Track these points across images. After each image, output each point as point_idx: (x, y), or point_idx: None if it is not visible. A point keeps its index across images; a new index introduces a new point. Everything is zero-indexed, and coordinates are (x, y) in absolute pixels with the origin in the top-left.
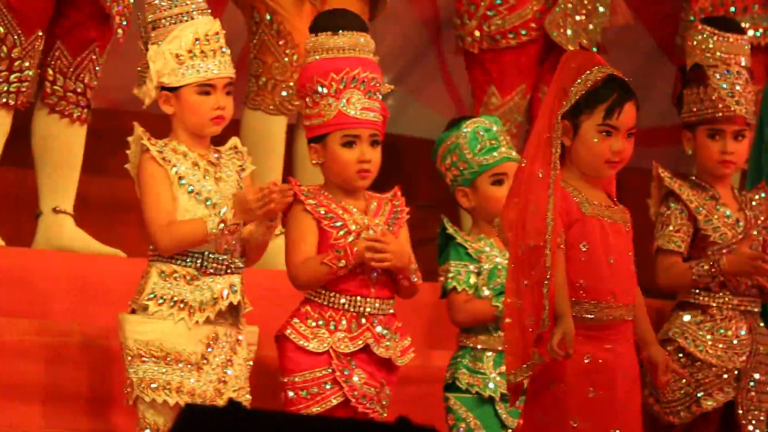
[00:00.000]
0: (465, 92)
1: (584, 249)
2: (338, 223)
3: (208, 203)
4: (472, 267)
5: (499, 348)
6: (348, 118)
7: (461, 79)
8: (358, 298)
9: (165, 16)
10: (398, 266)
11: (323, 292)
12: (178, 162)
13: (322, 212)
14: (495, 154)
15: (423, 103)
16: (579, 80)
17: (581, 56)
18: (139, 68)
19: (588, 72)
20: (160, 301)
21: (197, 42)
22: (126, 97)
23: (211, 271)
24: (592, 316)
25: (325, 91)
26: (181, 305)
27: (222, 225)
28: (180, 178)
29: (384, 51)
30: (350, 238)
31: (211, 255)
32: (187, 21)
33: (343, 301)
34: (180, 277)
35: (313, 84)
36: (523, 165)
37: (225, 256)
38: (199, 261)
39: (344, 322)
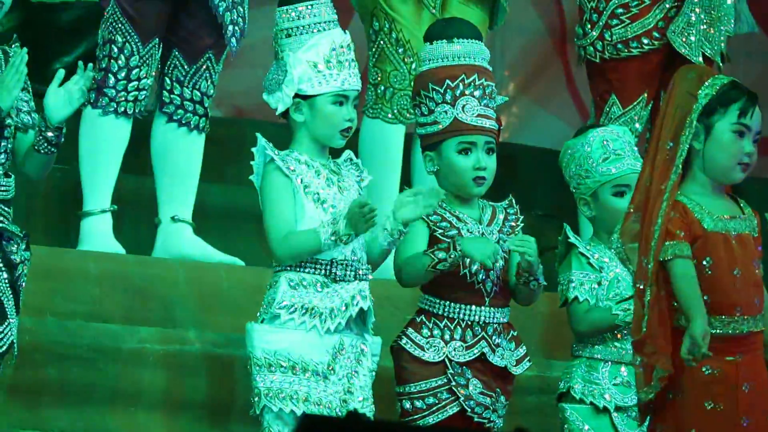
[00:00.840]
0: (590, 101)
1: (707, 265)
2: (452, 232)
3: (334, 211)
4: (593, 276)
5: (615, 359)
6: (464, 124)
7: (587, 88)
8: (473, 307)
9: (303, 24)
10: (532, 266)
11: (437, 301)
12: (302, 171)
13: (436, 220)
14: (619, 165)
15: (549, 112)
16: (706, 84)
17: (699, 68)
18: (271, 74)
19: (713, 78)
20: (292, 309)
21: (333, 52)
22: (244, 105)
23: (340, 277)
24: (719, 331)
25: (441, 98)
26: (312, 313)
27: (335, 236)
28: (306, 186)
29: (509, 60)
30: None
31: (339, 262)
32: (323, 31)
33: (457, 310)
34: (309, 285)
35: (429, 91)
36: (644, 175)
37: (354, 262)
38: (328, 268)
39: (459, 331)
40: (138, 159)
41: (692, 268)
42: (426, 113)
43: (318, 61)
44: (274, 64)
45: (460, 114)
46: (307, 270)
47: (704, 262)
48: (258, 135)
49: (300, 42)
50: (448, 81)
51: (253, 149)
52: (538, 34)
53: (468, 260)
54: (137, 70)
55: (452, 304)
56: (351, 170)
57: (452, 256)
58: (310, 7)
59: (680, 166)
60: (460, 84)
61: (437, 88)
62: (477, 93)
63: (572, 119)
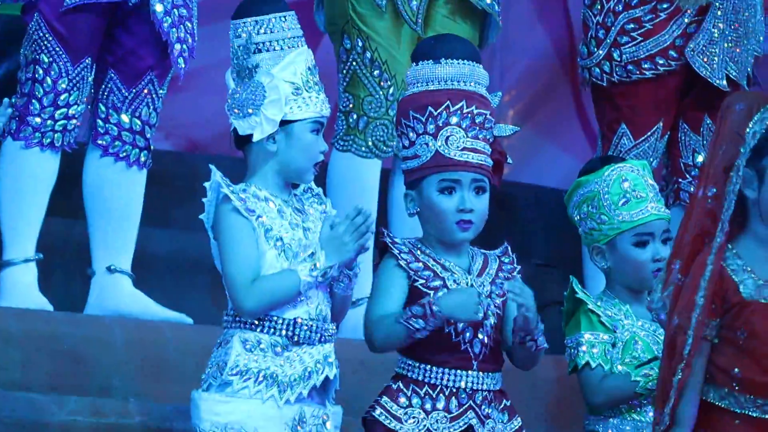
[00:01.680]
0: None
1: (742, 337)
2: (436, 283)
3: (297, 258)
4: (606, 338)
5: None
6: (446, 159)
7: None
8: (459, 371)
9: (276, 39)
10: (529, 323)
11: (417, 365)
12: (263, 211)
13: (417, 269)
14: (642, 210)
15: (554, 144)
16: (755, 119)
17: (749, 96)
18: (243, 95)
19: (763, 110)
20: (246, 376)
21: (309, 72)
22: (196, 136)
23: (303, 340)
24: (747, 412)
25: (422, 128)
26: (270, 381)
27: (316, 271)
28: (267, 230)
29: (509, 85)
30: None
31: (303, 321)
32: (296, 47)
33: (440, 375)
34: (267, 348)
35: (409, 120)
36: (686, 228)
37: (318, 322)
38: (290, 328)
39: (443, 399)
40: (68, 199)
41: (707, 353)
42: (407, 145)
43: (297, 81)
44: (243, 83)
45: (442, 147)
46: (265, 330)
47: (738, 333)
48: (212, 167)
49: (274, 59)
50: (430, 108)
51: (206, 184)
52: (544, 55)
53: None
54: (66, 95)
55: (434, 368)
56: (313, 204)
57: (431, 323)
58: (282, 19)
59: (727, 222)
60: (444, 112)
61: (418, 116)
62: (464, 123)
63: (582, 153)
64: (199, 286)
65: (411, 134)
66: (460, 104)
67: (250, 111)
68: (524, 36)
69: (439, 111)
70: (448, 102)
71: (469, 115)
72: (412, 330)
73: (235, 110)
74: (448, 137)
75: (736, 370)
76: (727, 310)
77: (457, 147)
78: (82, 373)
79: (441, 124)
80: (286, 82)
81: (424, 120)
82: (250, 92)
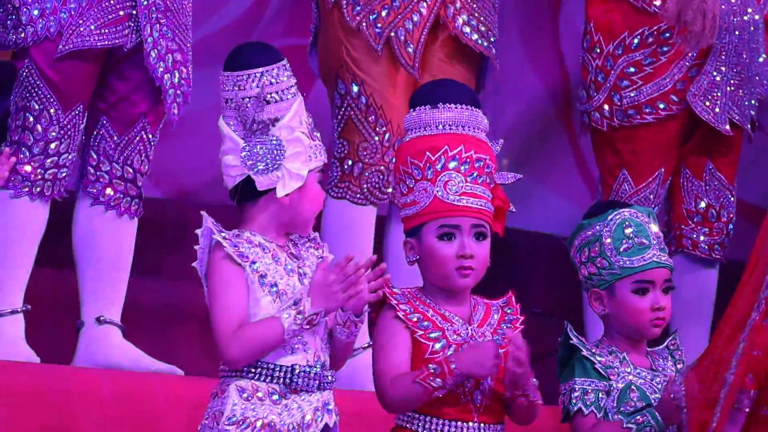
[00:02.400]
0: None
1: (763, 413)
2: (435, 334)
3: (295, 289)
4: (600, 385)
5: None
6: (445, 204)
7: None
8: (459, 423)
9: (285, 88)
10: (520, 379)
11: (416, 416)
12: (257, 257)
13: (416, 320)
14: (644, 256)
15: (550, 190)
16: None
17: None
18: (260, 150)
19: None
20: (244, 425)
21: (310, 119)
22: (187, 183)
23: (302, 387)
24: None
25: (420, 174)
26: (268, 429)
27: (300, 318)
28: (261, 276)
29: (504, 129)
30: (449, 352)
31: (301, 369)
32: (298, 96)
33: (440, 427)
34: (265, 396)
35: (408, 166)
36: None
37: (316, 369)
38: (287, 376)
39: None
40: (57, 249)
41: (740, 425)
42: (405, 192)
43: (305, 131)
44: (254, 136)
45: (440, 192)
46: (262, 378)
47: (764, 410)
48: (203, 213)
49: (280, 109)
50: (428, 153)
51: (198, 231)
52: (538, 99)
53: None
54: (57, 143)
55: (434, 419)
56: (310, 249)
57: (449, 381)
58: (285, 68)
59: (763, 300)
60: (442, 156)
61: (416, 161)
62: (463, 167)
63: (579, 198)
64: (190, 337)
65: (409, 181)
66: (459, 149)
67: (271, 166)
68: (517, 80)
69: (437, 156)
70: (446, 147)
71: (468, 160)
72: (430, 389)
73: (254, 166)
74: (446, 182)
75: None
76: (761, 388)
77: (456, 192)
78: (70, 428)
79: (439, 169)
80: (302, 134)
81: (422, 166)
82: (268, 146)
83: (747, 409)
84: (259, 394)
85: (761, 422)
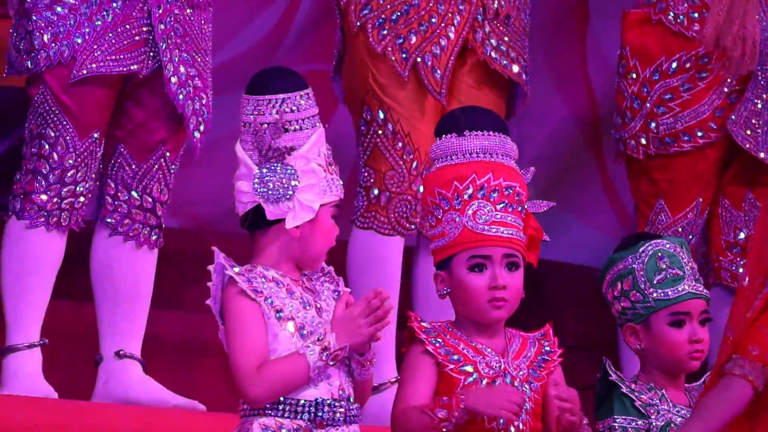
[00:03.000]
0: (631, 205)
1: None
2: (467, 367)
3: (313, 327)
4: (640, 423)
5: None
6: (475, 234)
7: (627, 189)
8: None
9: (305, 117)
10: (575, 427)
11: None
12: (271, 292)
13: (445, 353)
14: (679, 288)
15: (579, 220)
16: None
17: None
18: (273, 179)
19: None
20: None
21: (328, 151)
22: (204, 213)
23: (327, 422)
24: None
25: (448, 204)
26: None
27: (326, 354)
28: (277, 311)
29: (530, 154)
30: (482, 385)
31: (326, 402)
32: (318, 126)
33: None
34: None
35: (435, 197)
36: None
37: (342, 402)
38: (311, 411)
39: None
40: (74, 281)
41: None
42: (433, 224)
43: (322, 163)
44: (269, 164)
45: (469, 222)
46: (286, 414)
47: None
48: (215, 249)
49: (298, 137)
50: (455, 183)
51: (209, 267)
52: (565, 125)
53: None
54: (73, 171)
55: None
56: (324, 283)
57: (456, 415)
58: (306, 96)
59: (762, 296)
60: (470, 185)
61: (443, 192)
62: (492, 196)
63: (609, 228)
64: (212, 371)
65: (437, 212)
66: (487, 176)
67: (283, 196)
68: (543, 105)
69: (464, 185)
70: (473, 175)
71: (497, 188)
72: (436, 420)
73: (265, 194)
74: (475, 212)
75: None
76: None
77: (486, 221)
78: None
79: (467, 199)
80: (318, 166)
81: (449, 196)
82: (281, 175)
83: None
84: (284, 431)
85: None
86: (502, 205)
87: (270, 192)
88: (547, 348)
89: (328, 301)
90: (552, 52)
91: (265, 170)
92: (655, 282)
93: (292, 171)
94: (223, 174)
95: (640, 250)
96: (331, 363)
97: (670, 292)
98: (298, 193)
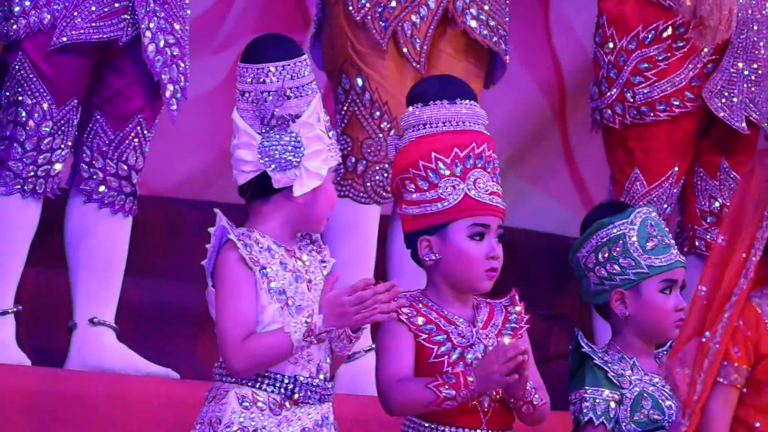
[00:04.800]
0: (590, 177)
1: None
2: (439, 337)
3: (300, 314)
4: (611, 394)
5: None
6: (477, 203)
7: (588, 162)
8: (467, 430)
9: (305, 83)
10: (517, 389)
11: (423, 424)
12: (266, 262)
13: (420, 323)
14: (669, 255)
15: (542, 191)
16: None
17: None
18: (278, 145)
19: None
20: None
21: (327, 117)
22: (180, 180)
23: (303, 399)
24: None
25: (447, 170)
26: None
27: (310, 335)
28: (270, 281)
29: (495, 129)
30: (454, 356)
31: (304, 380)
32: (317, 92)
33: None
34: (265, 406)
35: (430, 161)
36: (706, 281)
37: (319, 380)
38: (289, 387)
39: None
40: (48, 248)
41: (734, 403)
42: (425, 188)
43: (323, 129)
44: (273, 132)
45: (471, 190)
46: (263, 387)
47: (765, 387)
48: (217, 212)
49: (300, 104)
50: (456, 149)
51: (210, 229)
52: (531, 97)
53: None
54: (50, 138)
55: (441, 426)
56: (312, 252)
57: (463, 394)
58: (305, 63)
59: (752, 269)
60: (471, 154)
61: (442, 157)
62: (489, 166)
63: (570, 201)
64: (186, 339)
65: (432, 176)
66: (483, 146)
67: (290, 163)
68: (507, 76)
69: (465, 153)
70: (473, 144)
71: (491, 159)
72: (441, 398)
73: (271, 162)
74: (476, 180)
75: (758, 424)
76: (758, 361)
77: (486, 190)
78: (63, 430)
79: (469, 167)
80: (321, 132)
81: (449, 161)
82: (287, 143)
83: (739, 386)
84: (260, 404)
85: (764, 401)
86: (495, 176)
87: (277, 160)
88: (515, 315)
89: (316, 272)
90: (516, 21)
91: (269, 138)
92: (647, 248)
93: (298, 138)
94: (175, 143)
95: (631, 216)
96: (315, 343)
97: (663, 259)
98: (304, 161)
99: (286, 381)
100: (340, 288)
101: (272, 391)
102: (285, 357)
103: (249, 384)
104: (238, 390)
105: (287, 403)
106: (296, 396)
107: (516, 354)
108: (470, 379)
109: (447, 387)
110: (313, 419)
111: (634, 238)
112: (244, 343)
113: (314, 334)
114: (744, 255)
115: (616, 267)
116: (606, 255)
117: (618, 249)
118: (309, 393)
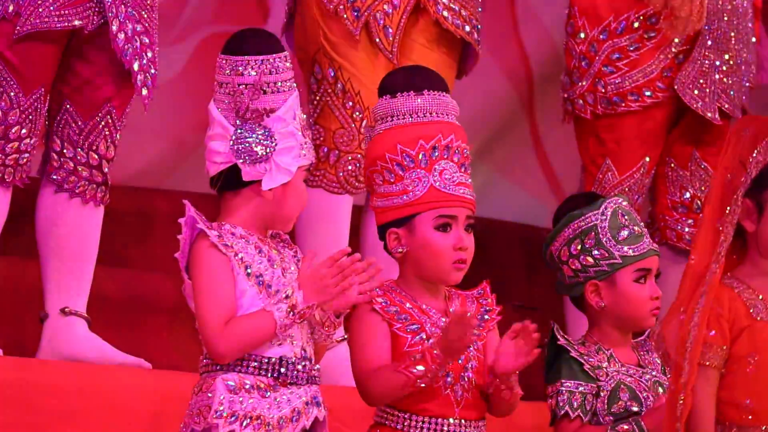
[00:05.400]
0: (560, 167)
1: (752, 362)
2: (413, 326)
3: (280, 284)
4: (587, 387)
5: None
6: (443, 194)
7: (556, 153)
8: (440, 419)
9: (282, 79)
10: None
11: (396, 413)
12: (240, 248)
13: (394, 312)
14: (641, 244)
15: (511, 181)
16: (758, 149)
17: (756, 123)
18: (250, 139)
19: None
20: (232, 419)
21: (303, 116)
22: (138, 170)
23: (290, 380)
24: None
25: (412, 162)
26: (258, 423)
27: (292, 313)
28: (246, 266)
29: (464, 119)
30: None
31: (289, 361)
32: (295, 89)
33: (421, 423)
34: (253, 389)
35: (396, 153)
36: (692, 262)
37: (305, 362)
38: (276, 368)
39: None
40: (19, 237)
41: (714, 382)
42: (392, 180)
43: (298, 126)
44: (246, 124)
45: (437, 181)
46: (249, 370)
47: (749, 359)
48: (186, 203)
49: (276, 100)
50: (421, 141)
51: (181, 220)
52: (500, 89)
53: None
54: (18, 127)
55: (414, 416)
56: (284, 249)
57: (433, 368)
58: (284, 59)
59: (723, 252)
60: (436, 145)
61: (407, 149)
62: (456, 157)
63: (540, 191)
64: (158, 329)
65: (398, 169)
66: (450, 137)
67: (260, 157)
68: (476, 68)
69: (431, 144)
70: (439, 135)
71: (458, 150)
72: (413, 377)
73: (242, 154)
74: (441, 171)
75: (748, 401)
76: (736, 336)
77: (453, 182)
78: (34, 421)
79: (434, 158)
80: (294, 128)
81: (414, 154)
82: (259, 137)
83: (716, 366)
84: (247, 387)
85: (750, 376)
86: (463, 167)
87: (247, 153)
88: (487, 307)
89: (290, 263)
90: (483, 11)
91: (242, 131)
92: (620, 239)
93: (270, 133)
94: (135, 130)
95: (602, 207)
96: (299, 321)
97: (635, 249)
98: (275, 156)
99: (273, 363)
100: (318, 261)
101: (258, 374)
102: (269, 338)
103: (235, 370)
104: (224, 376)
105: (276, 385)
106: (284, 377)
107: (464, 313)
108: (435, 352)
109: (415, 366)
110: (303, 400)
111: (605, 229)
112: (226, 327)
113: (297, 311)
114: (712, 237)
115: (589, 259)
116: (579, 247)
117: (590, 241)
118: (297, 373)
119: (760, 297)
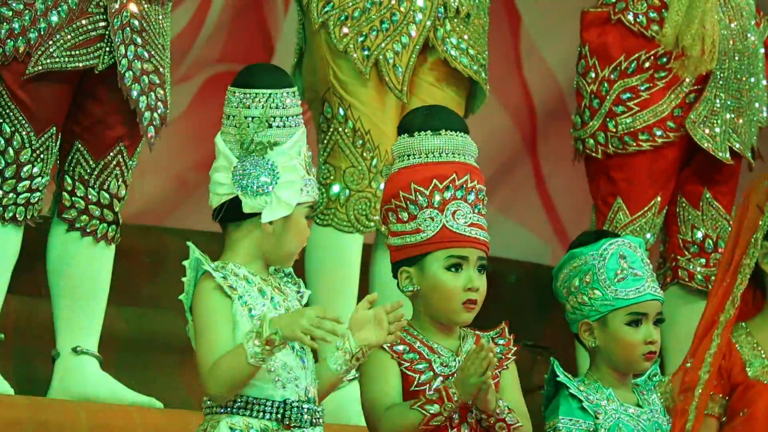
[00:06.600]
0: (563, 207)
1: (742, 416)
2: (421, 365)
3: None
4: (585, 424)
5: None
6: (455, 234)
7: (559, 192)
8: None
9: (290, 114)
10: (489, 405)
11: None
12: (243, 290)
13: (401, 350)
14: (638, 288)
15: (515, 221)
16: None
17: None
18: (251, 171)
19: None
20: None
21: (309, 152)
22: (138, 208)
23: (294, 423)
24: None
25: (426, 201)
26: None
27: (259, 341)
28: (250, 308)
29: None
30: (435, 384)
31: (293, 404)
32: (302, 126)
33: None
34: None
35: (410, 192)
36: (706, 313)
37: (309, 404)
38: (280, 411)
39: None
40: (31, 276)
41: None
42: (405, 219)
43: (302, 162)
44: (250, 157)
45: (449, 221)
46: (254, 413)
47: (741, 414)
48: (190, 244)
49: (282, 134)
50: (435, 181)
51: (185, 262)
52: (503, 127)
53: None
54: (29, 166)
55: None
56: (288, 285)
57: (448, 408)
58: (292, 95)
59: (738, 296)
60: (450, 185)
61: (421, 189)
62: (470, 197)
63: (543, 231)
64: (169, 368)
65: (412, 207)
66: (465, 178)
67: (261, 190)
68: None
69: (444, 184)
70: (454, 175)
71: (473, 190)
72: (429, 416)
73: (243, 186)
74: (454, 212)
75: None
76: (733, 388)
77: (465, 222)
78: None
79: (447, 198)
80: (299, 164)
81: (428, 193)
82: (262, 169)
83: (719, 416)
84: (252, 430)
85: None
86: (477, 208)
87: (249, 185)
88: (501, 347)
89: (293, 303)
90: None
91: (245, 163)
92: (615, 281)
93: (273, 166)
94: (138, 168)
95: (602, 248)
96: (268, 349)
97: (630, 293)
98: (276, 189)
99: (277, 406)
100: (309, 308)
101: (263, 418)
102: (247, 370)
103: (240, 412)
104: (228, 419)
105: (280, 429)
106: (288, 419)
107: (484, 350)
108: (452, 390)
109: (431, 403)
110: None
111: (602, 270)
112: (213, 366)
113: (264, 340)
114: (728, 281)
115: (585, 298)
116: (576, 285)
117: (587, 280)
118: (301, 416)
119: (763, 354)
